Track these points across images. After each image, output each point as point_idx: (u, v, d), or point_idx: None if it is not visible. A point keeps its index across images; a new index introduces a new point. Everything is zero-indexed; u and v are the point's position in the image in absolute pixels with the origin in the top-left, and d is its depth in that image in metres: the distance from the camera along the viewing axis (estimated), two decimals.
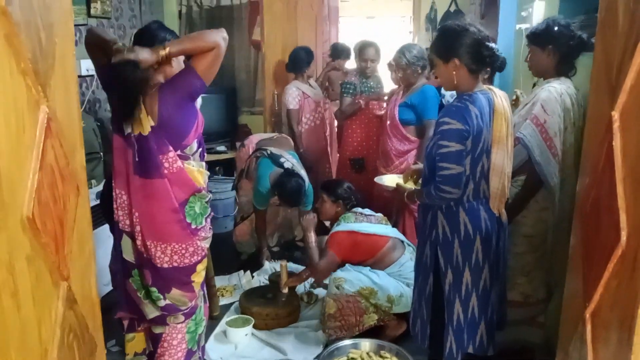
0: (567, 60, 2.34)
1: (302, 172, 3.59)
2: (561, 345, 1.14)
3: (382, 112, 3.86)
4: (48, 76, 0.99)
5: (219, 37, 1.92)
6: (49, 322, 0.95)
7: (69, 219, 1.05)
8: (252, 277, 3.71)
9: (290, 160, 3.63)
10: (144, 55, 1.87)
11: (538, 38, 2.34)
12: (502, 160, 2.05)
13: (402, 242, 3.12)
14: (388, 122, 3.55)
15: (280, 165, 3.54)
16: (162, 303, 2.07)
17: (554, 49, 2.31)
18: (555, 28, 2.29)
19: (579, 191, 1.14)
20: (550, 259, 2.45)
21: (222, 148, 5.02)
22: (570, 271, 1.11)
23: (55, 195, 0.98)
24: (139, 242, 2.03)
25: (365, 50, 4.02)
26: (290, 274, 3.22)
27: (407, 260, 3.00)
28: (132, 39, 2.04)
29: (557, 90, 2.28)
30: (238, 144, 5.10)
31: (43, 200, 0.91)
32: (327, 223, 3.35)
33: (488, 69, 2.28)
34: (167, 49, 1.88)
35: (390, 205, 3.56)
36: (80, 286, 1.11)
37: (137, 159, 1.97)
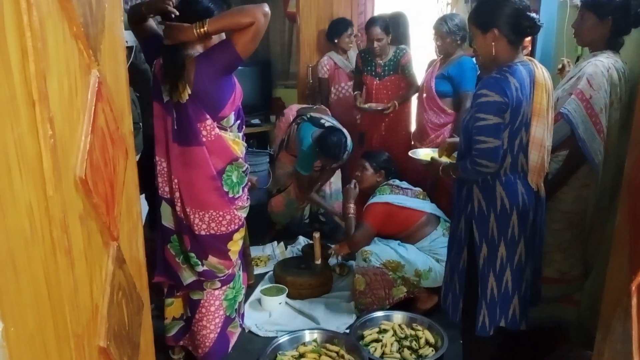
0: (620, 33, 2.25)
1: (344, 130, 3.59)
2: (603, 318, 1.13)
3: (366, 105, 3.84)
4: (98, 41, 1.01)
5: (259, 13, 1.87)
6: (99, 280, 0.98)
7: (119, 181, 1.07)
8: (286, 248, 3.77)
9: (330, 120, 3.64)
10: (180, 37, 1.90)
11: (599, 7, 2.23)
12: (542, 134, 2.01)
13: (438, 217, 3.11)
14: (424, 94, 3.50)
15: (321, 126, 3.56)
16: (200, 268, 2.12)
17: (612, 20, 2.21)
18: None
19: (628, 165, 1.12)
20: (588, 236, 2.41)
21: (256, 121, 5.05)
22: (616, 244, 1.09)
23: (105, 158, 1.00)
24: (178, 209, 2.07)
25: (369, 29, 3.75)
26: (323, 246, 3.25)
27: (439, 235, 2.99)
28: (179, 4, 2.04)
29: (604, 65, 2.20)
30: (272, 117, 5.11)
31: (95, 163, 0.94)
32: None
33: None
34: (206, 27, 1.87)
35: (424, 180, 3.53)
36: (128, 247, 1.15)
37: (175, 127, 1.99)
